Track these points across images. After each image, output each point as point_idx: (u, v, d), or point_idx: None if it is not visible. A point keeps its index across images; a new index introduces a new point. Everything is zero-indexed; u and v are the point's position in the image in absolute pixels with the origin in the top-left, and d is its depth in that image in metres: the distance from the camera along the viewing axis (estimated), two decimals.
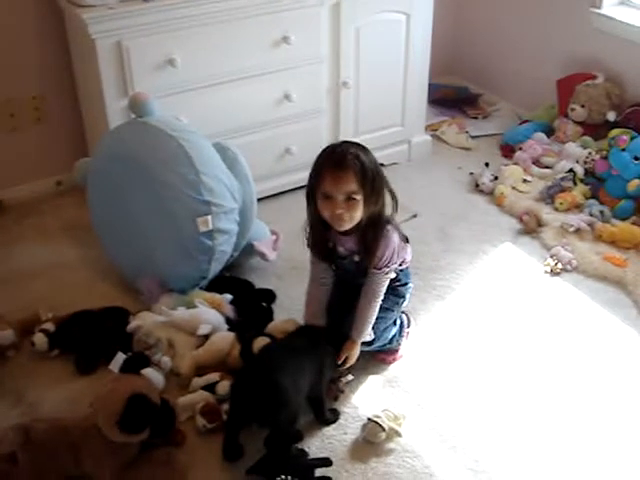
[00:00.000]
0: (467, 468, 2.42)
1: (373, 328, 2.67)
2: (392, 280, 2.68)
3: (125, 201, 2.97)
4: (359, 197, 2.44)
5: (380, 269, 2.59)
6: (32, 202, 3.72)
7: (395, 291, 2.75)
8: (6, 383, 2.71)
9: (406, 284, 2.80)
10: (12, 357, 2.82)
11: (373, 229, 2.55)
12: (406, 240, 2.71)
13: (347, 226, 2.51)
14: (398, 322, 2.82)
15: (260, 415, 2.36)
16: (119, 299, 3.03)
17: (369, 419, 2.51)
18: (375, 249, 2.55)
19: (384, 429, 2.48)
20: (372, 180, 2.46)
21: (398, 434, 2.51)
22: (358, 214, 2.48)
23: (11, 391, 2.68)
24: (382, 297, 2.64)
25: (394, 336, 2.78)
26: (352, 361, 2.65)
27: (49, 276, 3.23)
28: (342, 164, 2.44)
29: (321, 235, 2.61)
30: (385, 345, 2.77)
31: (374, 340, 2.70)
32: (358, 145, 2.54)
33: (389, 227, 2.58)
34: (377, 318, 2.67)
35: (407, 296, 2.82)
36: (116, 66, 3.13)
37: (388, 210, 2.59)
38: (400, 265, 2.70)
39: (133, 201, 2.94)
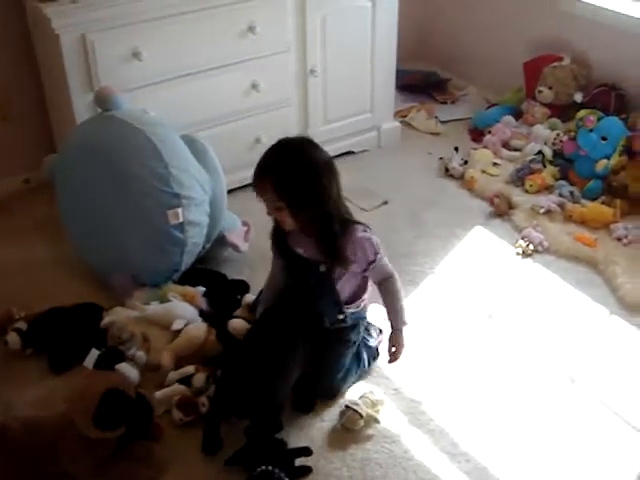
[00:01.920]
0: (445, 452, 2.43)
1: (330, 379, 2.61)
2: (335, 324, 2.58)
3: (94, 196, 2.94)
4: (281, 204, 2.39)
5: (367, 269, 2.53)
6: (0, 201, 3.67)
7: (340, 338, 2.60)
8: None
9: (354, 326, 2.63)
10: None
11: (329, 231, 2.43)
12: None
13: (286, 227, 2.49)
14: (357, 364, 2.69)
15: (245, 406, 2.38)
16: (92, 295, 3.01)
17: (347, 406, 2.51)
18: (340, 251, 2.45)
19: (362, 416, 2.49)
20: (297, 188, 2.37)
21: (376, 420, 2.52)
22: (289, 220, 2.42)
23: None
24: (397, 280, 2.61)
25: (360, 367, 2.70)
26: (401, 351, 2.64)
27: (20, 275, 3.20)
28: (259, 174, 2.42)
29: (278, 227, 2.56)
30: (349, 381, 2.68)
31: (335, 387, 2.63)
32: (292, 146, 2.45)
33: (353, 227, 2.48)
34: (328, 366, 2.59)
35: (357, 338, 2.66)
36: (81, 60, 3.10)
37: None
38: (355, 305, 2.61)
39: (102, 196, 2.92)
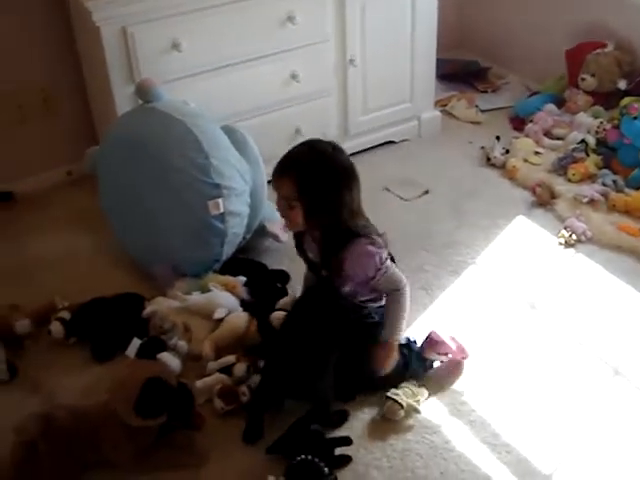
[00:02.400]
0: (486, 443, 2.42)
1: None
2: (362, 316, 2.55)
3: (135, 187, 2.97)
4: (295, 204, 2.37)
5: (368, 283, 2.46)
6: (44, 193, 3.72)
7: (370, 334, 2.54)
8: (24, 372, 2.73)
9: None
10: (29, 346, 2.84)
11: (333, 242, 2.42)
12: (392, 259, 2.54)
13: (291, 228, 2.50)
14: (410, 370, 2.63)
15: (299, 387, 2.42)
16: (134, 286, 3.03)
17: (387, 396, 2.51)
18: (338, 265, 2.41)
19: (402, 406, 2.48)
20: (316, 192, 2.35)
21: (417, 411, 2.50)
22: (298, 220, 2.40)
23: (29, 380, 2.70)
24: (403, 294, 2.50)
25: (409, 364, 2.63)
26: (387, 363, 2.52)
27: (63, 265, 3.24)
28: (280, 168, 2.40)
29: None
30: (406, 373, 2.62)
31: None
32: (320, 147, 2.40)
33: (357, 240, 2.40)
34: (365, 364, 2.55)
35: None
36: (121, 53, 3.13)
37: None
38: (374, 299, 2.57)
39: (143, 187, 2.94)
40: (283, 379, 2.45)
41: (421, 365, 2.65)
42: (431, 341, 2.65)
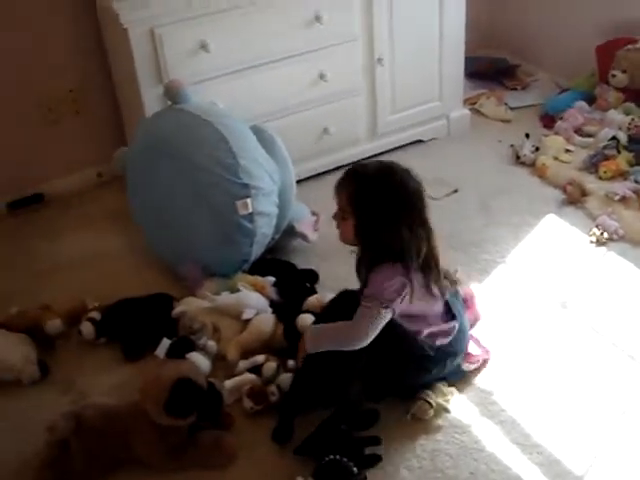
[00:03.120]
0: (517, 443, 2.40)
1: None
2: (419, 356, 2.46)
3: (164, 188, 2.98)
4: (348, 217, 2.36)
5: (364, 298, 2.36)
6: (74, 194, 3.76)
7: (421, 364, 2.46)
8: (56, 372, 2.76)
9: (438, 359, 2.47)
10: (61, 346, 2.87)
11: (367, 264, 2.39)
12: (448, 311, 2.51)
13: (342, 240, 2.45)
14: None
15: (329, 396, 2.41)
16: (163, 286, 3.05)
17: (417, 396, 2.50)
18: (366, 283, 2.37)
19: (432, 405, 2.46)
20: (369, 210, 2.31)
21: (446, 410, 2.49)
22: (348, 234, 2.38)
23: (61, 379, 2.73)
24: (351, 329, 2.34)
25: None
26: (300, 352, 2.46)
27: (94, 266, 3.27)
28: (343, 177, 2.40)
29: None
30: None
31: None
32: (389, 168, 2.36)
33: (392, 267, 2.31)
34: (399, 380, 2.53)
35: (441, 371, 2.51)
36: (149, 54, 3.14)
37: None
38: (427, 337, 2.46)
39: (172, 188, 2.95)
40: (314, 387, 2.45)
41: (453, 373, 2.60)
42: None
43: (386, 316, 2.31)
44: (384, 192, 2.30)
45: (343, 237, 2.44)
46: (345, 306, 2.45)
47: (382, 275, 2.32)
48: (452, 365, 2.55)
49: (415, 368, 2.49)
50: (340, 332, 2.39)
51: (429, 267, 2.37)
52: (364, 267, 2.42)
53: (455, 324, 2.52)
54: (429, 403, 2.46)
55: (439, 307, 2.51)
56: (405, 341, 2.42)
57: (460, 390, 2.57)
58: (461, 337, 2.54)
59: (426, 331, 2.45)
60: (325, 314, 2.58)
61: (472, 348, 2.64)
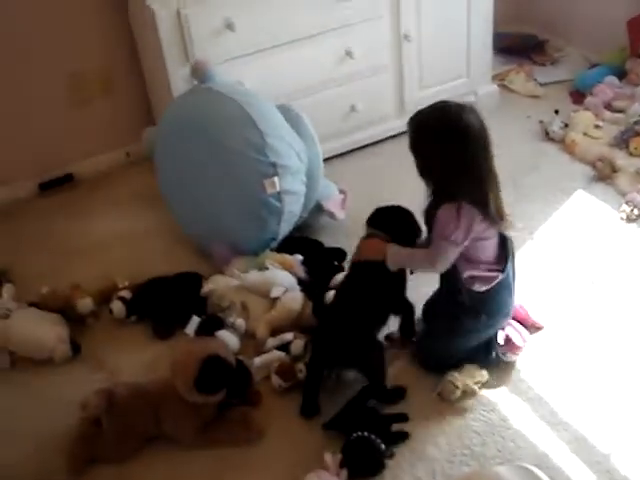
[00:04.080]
0: (544, 420, 2.40)
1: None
2: (451, 295, 2.50)
3: (192, 167, 3.00)
4: (415, 160, 2.41)
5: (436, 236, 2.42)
6: (103, 174, 3.80)
7: (455, 313, 2.49)
8: (87, 350, 2.80)
9: (471, 309, 2.47)
10: (92, 325, 2.91)
11: (434, 203, 2.42)
12: (503, 247, 2.52)
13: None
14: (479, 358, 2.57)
15: (347, 355, 2.45)
16: (192, 264, 3.08)
17: (444, 376, 2.49)
18: (432, 220, 2.42)
19: (457, 387, 2.46)
20: (420, 151, 2.38)
21: (473, 393, 2.47)
22: (418, 168, 2.43)
23: (92, 357, 2.77)
24: (428, 258, 2.44)
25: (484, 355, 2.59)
26: (363, 248, 2.56)
27: (123, 245, 3.31)
28: (409, 119, 2.42)
29: None
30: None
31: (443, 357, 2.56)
32: (446, 105, 2.36)
33: (458, 206, 2.32)
34: (431, 335, 2.60)
35: (474, 328, 2.51)
36: (176, 34, 3.15)
37: None
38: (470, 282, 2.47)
39: (200, 167, 2.97)
40: (331, 349, 2.46)
41: (491, 358, 2.60)
42: (509, 342, 2.60)
43: (454, 253, 2.40)
44: (436, 126, 2.33)
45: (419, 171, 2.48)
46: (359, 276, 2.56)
47: (448, 215, 2.35)
48: (486, 329, 2.52)
49: (449, 315, 2.51)
50: (417, 257, 2.53)
51: (487, 205, 2.38)
52: (433, 207, 2.44)
53: (499, 275, 2.50)
54: (454, 384, 2.45)
55: (490, 252, 2.50)
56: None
57: (487, 367, 2.57)
58: (504, 294, 2.52)
59: (467, 273, 2.47)
60: (343, 284, 2.64)
61: (517, 339, 2.61)
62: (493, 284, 2.48)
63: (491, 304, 2.51)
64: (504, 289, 2.52)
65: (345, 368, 2.53)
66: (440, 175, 2.38)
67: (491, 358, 2.58)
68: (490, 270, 2.50)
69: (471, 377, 2.48)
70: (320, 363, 2.48)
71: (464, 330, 2.52)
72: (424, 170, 2.41)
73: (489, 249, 2.49)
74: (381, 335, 2.61)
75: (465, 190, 2.33)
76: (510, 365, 2.59)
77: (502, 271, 2.50)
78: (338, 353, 2.45)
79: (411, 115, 2.42)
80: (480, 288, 2.47)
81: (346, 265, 3.02)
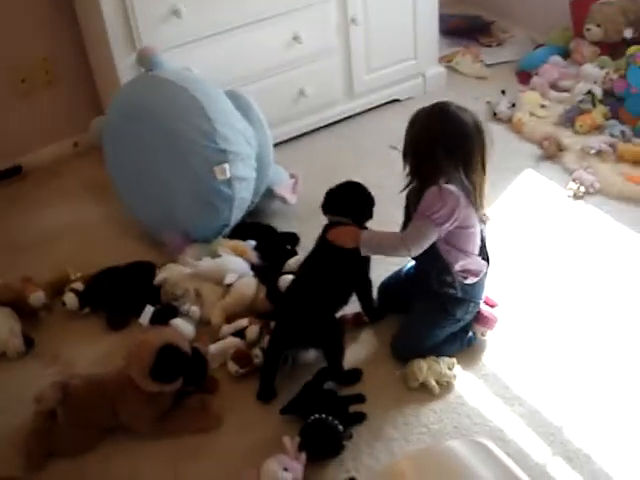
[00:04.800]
0: (498, 396, 2.44)
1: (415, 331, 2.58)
2: (443, 287, 2.52)
3: (142, 156, 2.97)
4: (409, 158, 2.46)
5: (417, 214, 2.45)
6: (51, 165, 3.74)
7: (443, 305, 2.53)
8: (41, 343, 2.77)
9: (462, 301, 2.53)
10: (45, 318, 2.88)
11: (420, 190, 2.45)
12: (482, 249, 2.57)
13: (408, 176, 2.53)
14: (457, 341, 2.60)
15: (306, 335, 2.48)
16: (144, 253, 3.06)
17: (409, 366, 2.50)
18: (413, 207, 2.47)
19: (417, 379, 2.46)
20: (416, 151, 2.43)
21: (432, 390, 2.45)
22: (410, 172, 2.49)
23: (46, 351, 2.74)
24: (403, 241, 2.46)
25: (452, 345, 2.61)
26: (336, 236, 2.53)
27: (74, 236, 3.27)
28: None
29: None
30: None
31: (414, 344, 2.55)
32: (442, 104, 2.46)
33: (445, 188, 2.37)
34: (419, 324, 2.57)
35: (462, 317, 2.56)
36: (122, 21, 3.12)
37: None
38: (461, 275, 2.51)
39: (149, 155, 2.94)
40: (292, 327, 2.48)
41: (464, 342, 2.62)
42: (483, 318, 2.64)
43: (433, 235, 2.41)
44: (431, 131, 2.40)
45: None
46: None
47: (434, 195, 2.38)
48: (468, 315, 2.57)
49: (437, 306, 2.54)
50: (390, 240, 2.52)
51: (476, 195, 2.45)
52: (418, 193, 2.46)
53: (486, 265, 2.57)
54: (416, 377, 2.45)
55: (477, 242, 2.54)
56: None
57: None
58: (484, 280, 2.60)
59: (461, 263, 2.50)
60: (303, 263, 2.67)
61: (489, 313, 2.64)
62: (481, 275, 2.54)
63: (478, 292, 2.58)
64: (485, 275, 2.58)
65: (305, 347, 2.55)
66: (433, 170, 2.39)
67: (469, 338, 2.62)
68: (478, 260, 2.56)
69: (437, 374, 2.47)
70: (279, 344, 2.49)
71: (455, 320, 2.55)
72: (418, 167, 2.45)
73: (476, 238, 2.53)
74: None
75: (455, 179, 2.39)
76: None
77: (487, 260, 2.57)
78: (298, 331, 2.47)
79: (412, 114, 2.47)
80: (472, 280, 2.53)
81: (298, 250, 3.03)
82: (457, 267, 2.50)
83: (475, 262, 2.54)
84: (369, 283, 2.68)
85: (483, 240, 2.59)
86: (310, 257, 2.64)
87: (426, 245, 2.43)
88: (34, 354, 2.74)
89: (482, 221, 2.55)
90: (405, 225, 2.58)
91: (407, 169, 2.49)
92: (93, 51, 3.55)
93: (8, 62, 3.52)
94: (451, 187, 2.37)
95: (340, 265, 2.53)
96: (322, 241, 2.60)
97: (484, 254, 2.58)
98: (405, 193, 2.58)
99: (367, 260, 2.61)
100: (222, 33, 3.31)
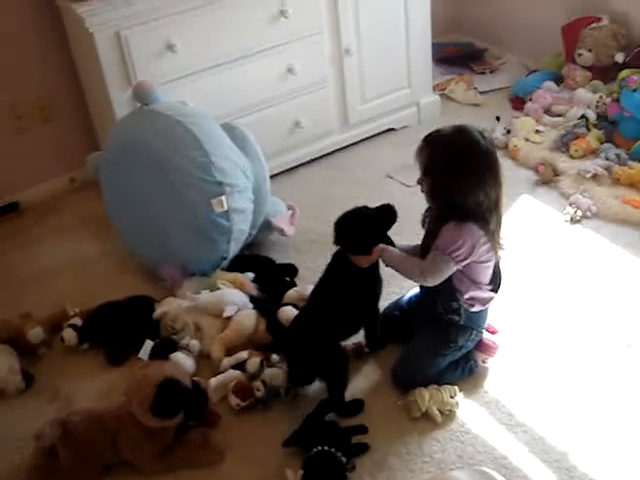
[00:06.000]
0: (502, 423, 2.42)
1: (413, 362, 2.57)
2: (448, 313, 2.53)
3: (139, 190, 2.98)
4: (423, 177, 2.43)
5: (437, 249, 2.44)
6: (48, 201, 3.75)
7: (446, 331, 2.53)
8: (41, 380, 2.75)
9: (465, 328, 2.54)
10: (44, 354, 2.86)
11: (440, 218, 2.43)
12: (493, 278, 2.55)
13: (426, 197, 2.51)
14: (459, 368, 2.59)
15: (315, 368, 2.50)
16: (143, 288, 3.05)
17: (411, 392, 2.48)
18: (436, 235, 2.44)
19: (420, 409, 2.45)
20: (440, 170, 2.38)
21: (435, 419, 2.44)
22: (426, 192, 2.46)
23: (46, 388, 2.73)
24: (421, 270, 2.46)
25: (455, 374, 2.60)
26: (365, 263, 2.50)
27: (72, 272, 3.26)
28: (423, 140, 2.44)
29: None
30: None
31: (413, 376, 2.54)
32: (467, 133, 2.38)
33: (466, 226, 2.37)
34: (421, 351, 2.55)
35: (464, 344, 2.56)
36: (117, 57, 3.14)
37: None
38: (466, 299, 2.51)
39: (147, 189, 2.95)
40: (299, 359, 2.51)
41: (465, 369, 2.61)
42: (483, 346, 2.64)
43: (451, 270, 2.43)
44: (460, 153, 2.36)
45: (426, 194, 2.49)
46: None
47: (454, 233, 2.38)
48: (470, 343, 2.57)
49: (439, 334, 2.54)
50: (409, 267, 2.52)
51: (494, 229, 2.44)
52: (436, 221, 2.46)
53: (494, 296, 2.57)
54: (419, 407, 2.44)
55: (489, 273, 2.53)
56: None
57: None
58: (487, 312, 2.61)
59: (469, 294, 2.50)
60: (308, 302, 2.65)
61: (490, 341, 2.66)
62: (488, 304, 2.56)
63: (482, 320, 2.59)
64: (489, 304, 2.59)
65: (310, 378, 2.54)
66: (454, 195, 2.38)
67: (470, 366, 2.61)
68: (488, 290, 2.56)
69: (439, 403, 2.46)
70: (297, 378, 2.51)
71: (457, 347, 2.55)
72: (437, 189, 2.42)
73: (490, 270, 2.53)
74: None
75: (476, 212, 2.37)
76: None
77: (495, 290, 2.57)
78: (304, 361, 2.48)
79: (429, 135, 2.44)
80: (478, 309, 2.54)
81: (297, 281, 3.03)
82: (466, 296, 2.50)
83: (485, 292, 2.54)
84: (377, 312, 2.66)
85: (497, 270, 2.57)
86: (320, 284, 2.62)
87: (443, 278, 2.45)
88: (34, 391, 2.72)
89: (497, 251, 2.52)
90: (423, 248, 2.55)
91: (426, 189, 2.46)
92: (89, 86, 3.57)
93: (4, 99, 3.53)
94: (471, 224, 2.37)
95: (350, 293, 2.52)
96: (331, 268, 2.59)
97: (495, 285, 2.57)
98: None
99: (377, 289, 2.60)
100: (217, 67, 3.33)
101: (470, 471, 1.94)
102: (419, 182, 2.48)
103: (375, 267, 2.54)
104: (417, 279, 2.52)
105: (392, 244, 2.57)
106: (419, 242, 2.62)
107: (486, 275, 2.52)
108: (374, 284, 2.58)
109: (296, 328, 2.56)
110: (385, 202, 2.57)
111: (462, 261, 2.40)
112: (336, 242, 2.53)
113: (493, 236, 2.43)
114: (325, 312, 2.51)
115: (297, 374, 2.51)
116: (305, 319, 2.56)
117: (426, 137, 2.44)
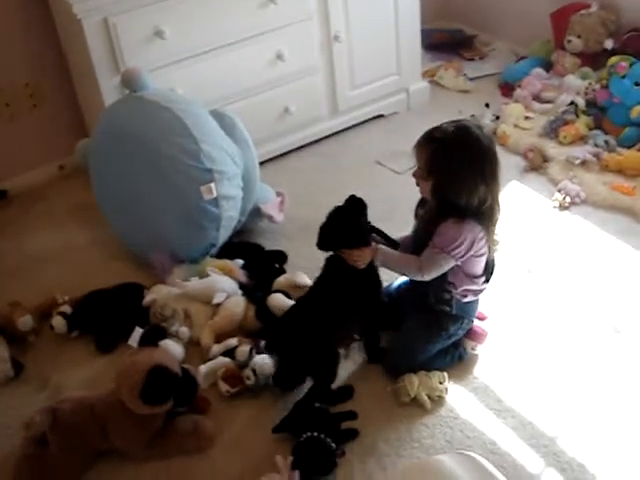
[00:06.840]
0: (490, 408, 2.44)
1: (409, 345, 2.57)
2: (439, 304, 2.55)
3: (128, 177, 2.97)
4: (425, 175, 2.40)
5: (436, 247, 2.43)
6: (37, 189, 3.74)
7: (439, 321, 2.55)
8: (30, 368, 2.75)
9: (456, 317, 2.56)
10: (33, 342, 2.86)
11: (438, 214, 2.42)
12: (486, 269, 2.55)
13: (422, 193, 2.50)
14: (448, 355, 2.61)
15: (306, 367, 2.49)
16: (132, 275, 3.05)
17: (401, 378, 2.49)
18: (432, 231, 2.43)
19: (409, 395, 2.46)
20: (444, 169, 2.35)
21: (425, 405, 2.45)
22: (424, 189, 2.44)
23: (36, 376, 2.72)
24: (419, 268, 2.45)
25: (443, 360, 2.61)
26: (360, 261, 2.46)
27: (61, 260, 3.26)
28: (423, 138, 2.42)
29: None
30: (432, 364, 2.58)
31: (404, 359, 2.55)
32: (466, 129, 2.37)
33: (465, 223, 2.38)
34: (412, 339, 2.56)
35: (455, 333, 2.58)
36: (105, 43, 3.12)
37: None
38: (456, 288, 2.51)
39: (136, 176, 2.94)
40: (290, 359, 2.50)
41: (454, 356, 2.62)
42: (473, 333, 2.65)
43: (450, 265, 2.44)
44: (462, 151, 2.35)
45: (423, 193, 2.49)
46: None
47: (456, 231, 2.38)
48: (461, 331, 2.59)
49: (430, 323, 2.54)
50: (407, 263, 2.52)
51: (492, 224, 2.45)
52: (434, 216, 2.45)
53: (486, 287, 2.58)
54: (407, 393, 2.45)
55: (482, 265, 2.54)
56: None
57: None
58: (478, 301, 2.63)
59: (462, 287, 2.51)
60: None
61: (479, 328, 2.66)
62: (480, 295, 2.58)
63: (473, 309, 2.60)
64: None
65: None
66: (456, 194, 2.37)
67: (460, 353, 2.62)
68: (482, 282, 2.57)
69: (428, 388, 2.47)
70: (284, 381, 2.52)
71: (448, 336, 2.56)
72: (439, 188, 2.39)
73: (483, 263, 2.53)
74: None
75: (476, 209, 2.38)
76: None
77: (487, 280, 2.58)
78: (298, 366, 2.48)
79: (431, 130, 2.42)
80: (470, 299, 2.55)
81: (286, 268, 3.03)
82: (460, 289, 2.51)
83: (478, 285, 2.55)
84: (377, 318, 2.62)
85: (490, 261, 2.56)
86: (316, 289, 2.60)
87: (438, 274, 2.46)
88: (23, 379, 2.72)
89: (493, 245, 2.52)
90: (417, 241, 2.55)
91: (426, 187, 2.43)
92: (77, 73, 3.55)
93: None
94: (470, 221, 2.38)
95: (349, 296, 2.50)
96: (328, 273, 2.56)
97: (487, 274, 2.58)
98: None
99: (377, 291, 2.57)
100: (205, 53, 3.32)
101: (454, 455, 1.95)
102: (415, 175, 2.47)
103: (372, 268, 2.51)
104: (415, 276, 2.51)
105: (384, 235, 2.57)
106: (409, 230, 2.63)
107: (480, 267, 2.53)
108: (374, 286, 2.56)
109: (292, 333, 2.52)
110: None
111: (462, 257, 2.42)
112: (328, 245, 2.49)
113: (489, 230, 2.44)
114: (324, 317, 2.48)
115: (285, 376, 2.50)
116: (302, 324, 2.51)
117: (426, 135, 2.42)
